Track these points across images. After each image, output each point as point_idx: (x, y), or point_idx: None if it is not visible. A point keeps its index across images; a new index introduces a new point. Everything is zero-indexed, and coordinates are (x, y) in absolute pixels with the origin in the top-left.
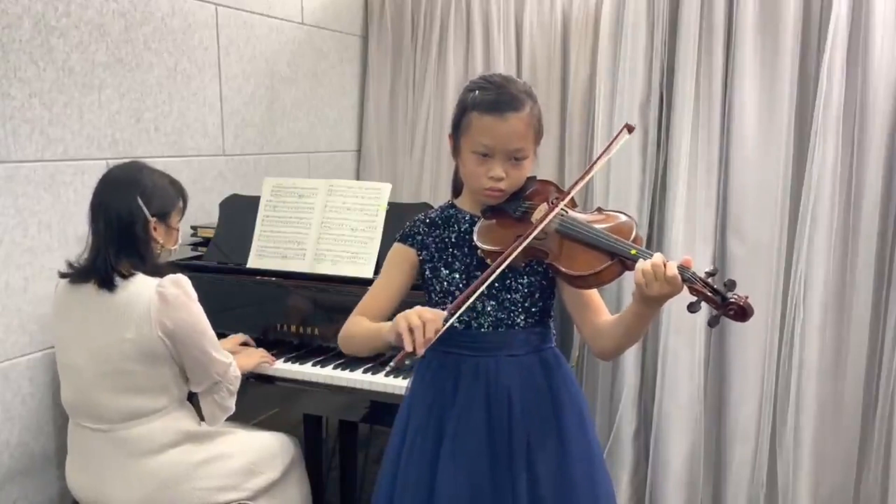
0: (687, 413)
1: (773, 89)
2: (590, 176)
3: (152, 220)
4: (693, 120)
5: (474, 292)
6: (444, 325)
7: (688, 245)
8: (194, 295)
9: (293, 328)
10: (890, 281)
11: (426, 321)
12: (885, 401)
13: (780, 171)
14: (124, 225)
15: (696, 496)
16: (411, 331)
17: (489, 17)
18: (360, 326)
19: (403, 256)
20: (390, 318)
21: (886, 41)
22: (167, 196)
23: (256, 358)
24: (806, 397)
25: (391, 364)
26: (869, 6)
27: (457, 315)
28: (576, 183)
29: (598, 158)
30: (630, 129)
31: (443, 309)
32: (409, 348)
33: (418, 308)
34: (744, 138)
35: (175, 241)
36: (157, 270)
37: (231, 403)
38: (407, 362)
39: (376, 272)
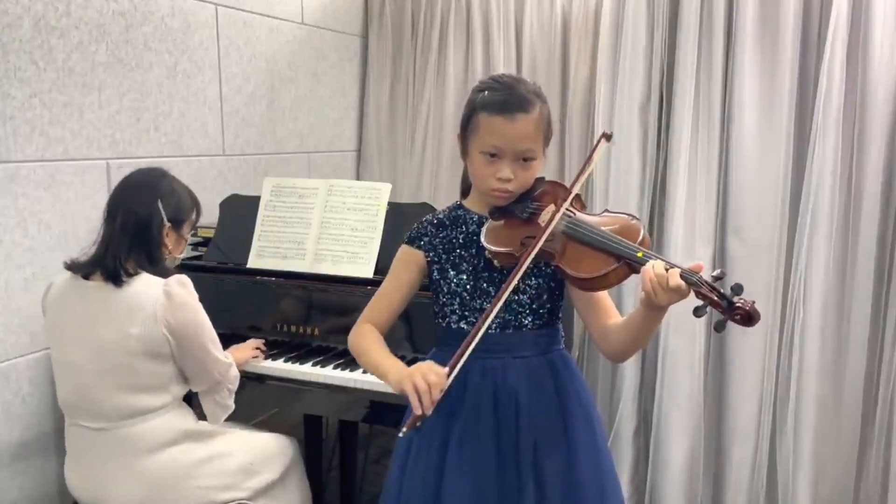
0: (687, 413)
1: (773, 89)
2: (577, 187)
3: (167, 224)
4: (693, 120)
5: (479, 331)
6: (448, 381)
7: (688, 245)
8: (197, 296)
9: (293, 328)
10: (890, 281)
11: (432, 385)
12: (885, 401)
13: (780, 170)
14: (141, 225)
15: (696, 496)
16: (418, 394)
17: (489, 17)
18: (369, 348)
19: (411, 259)
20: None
21: (886, 41)
22: (184, 205)
23: (249, 351)
24: (806, 397)
25: (402, 430)
26: (869, 6)
27: (457, 370)
28: (567, 192)
29: (581, 172)
30: (608, 137)
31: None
32: (418, 412)
33: (422, 368)
34: (744, 138)
35: (181, 250)
36: (163, 272)
37: (231, 402)
38: (418, 424)
39: (376, 272)
